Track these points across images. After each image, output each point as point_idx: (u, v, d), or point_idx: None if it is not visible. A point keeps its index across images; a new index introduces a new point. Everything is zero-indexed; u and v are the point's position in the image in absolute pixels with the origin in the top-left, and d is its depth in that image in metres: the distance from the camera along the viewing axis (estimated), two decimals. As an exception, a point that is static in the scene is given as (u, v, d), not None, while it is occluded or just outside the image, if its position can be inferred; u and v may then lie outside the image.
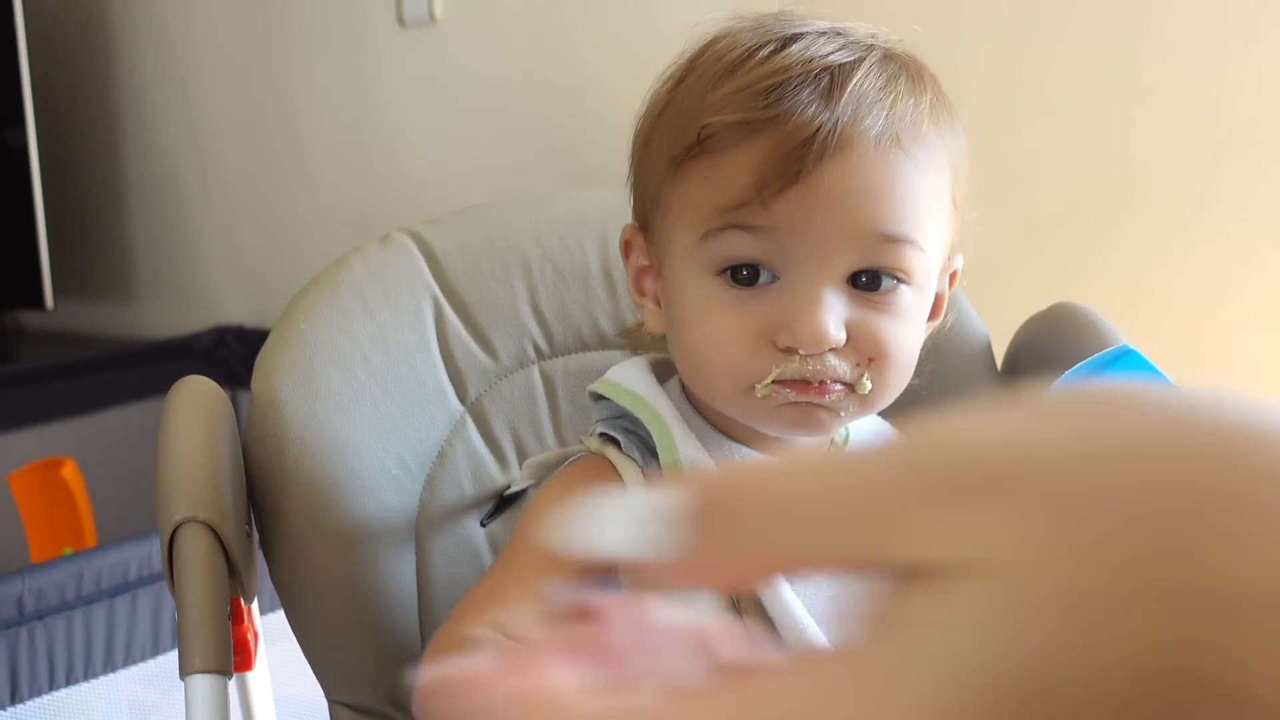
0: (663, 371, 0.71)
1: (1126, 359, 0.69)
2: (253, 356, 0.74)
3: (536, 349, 0.83)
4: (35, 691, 1.12)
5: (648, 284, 0.70)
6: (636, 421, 0.67)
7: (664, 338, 0.70)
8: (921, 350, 0.68)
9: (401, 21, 1.78)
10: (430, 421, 0.78)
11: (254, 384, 0.73)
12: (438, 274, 0.80)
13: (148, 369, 1.89)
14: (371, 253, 0.79)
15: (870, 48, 0.63)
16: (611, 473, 0.66)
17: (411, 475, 0.76)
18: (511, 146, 1.68)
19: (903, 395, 0.66)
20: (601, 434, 0.69)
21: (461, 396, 0.80)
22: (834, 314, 0.60)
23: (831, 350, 0.60)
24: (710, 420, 0.68)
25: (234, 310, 2.07)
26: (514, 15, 1.69)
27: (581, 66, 1.61)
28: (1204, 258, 1.19)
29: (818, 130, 0.58)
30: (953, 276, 0.70)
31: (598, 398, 0.70)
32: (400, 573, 0.75)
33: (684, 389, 0.70)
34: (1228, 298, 1.19)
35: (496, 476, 0.80)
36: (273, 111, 2.01)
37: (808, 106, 0.58)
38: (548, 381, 0.83)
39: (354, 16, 1.86)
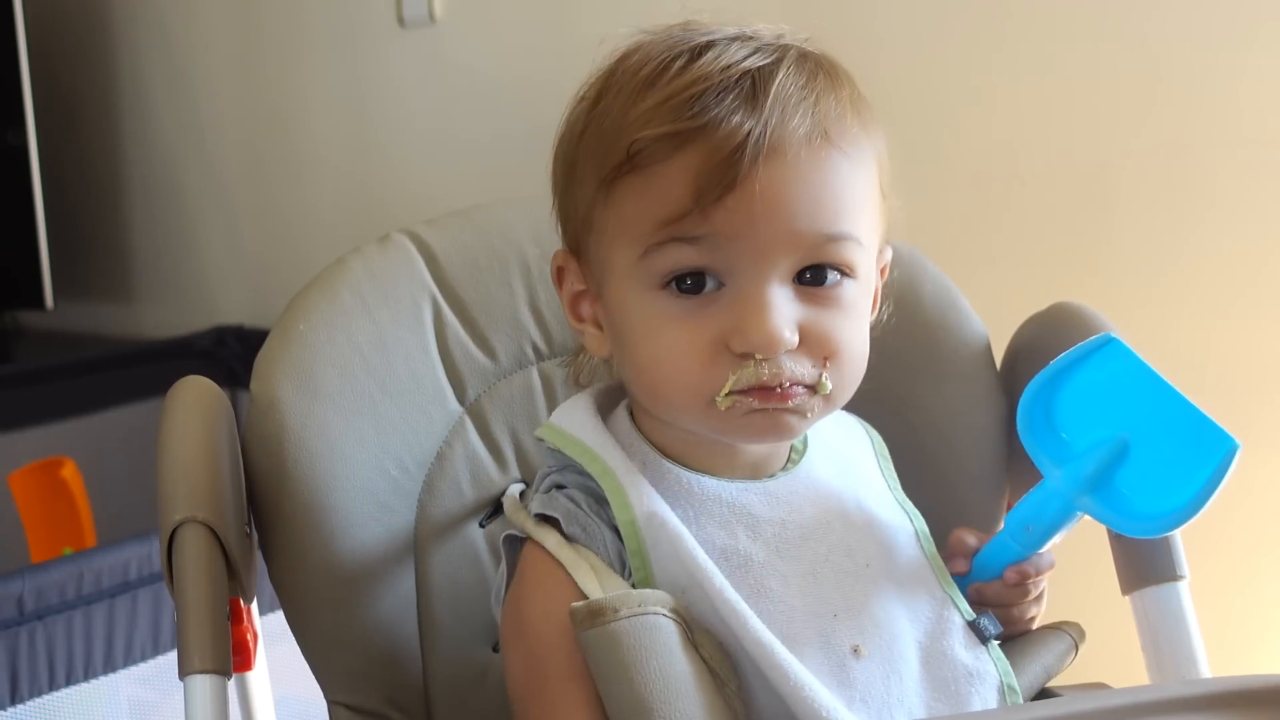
0: (606, 403, 0.70)
1: (1109, 348, 0.69)
2: (253, 356, 0.74)
3: (535, 349, 0.83)
4: (35, 691, 1.12)
5: (585, 309, 0.68)
6: (586, 473, 0.65)
7: (608, 361, 0.70)
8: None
9: (401, 21, 1.78)
10: (429, 422, 0.78)
11: (253, 384, 0.73)
12: (436, 274, 0.80)
13: (148, 369, 1.89)
14: (370, 253, 0.79)
15: (785, 48, 0.62)
16: (564, 579, 0.62)
17: (410, 476, 0.76)
18: (511, 146, 1.68)
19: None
20: (539, 516, 0.65)
21: (460, 397, 0.80)
22: (784, 316, 0.60)
23: (787, 352, 0.60)
24: (659, 446, 0.66)
25: (234, 310, 2.07)
26: (514, 15, 1.69)
27: (581, 66, 1.61)
28: (1203, 257, 1.19)
29: (747, 135, 0.58)
30: (883, 270, 0.69)
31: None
32: (399, 573, 0.75)
33: (631, 417, 0.68)
34: (1227, 297, 1.19)
35: (495, 477, 0.80)
36: (273, 111, 2.01)
37: (733, 113, 0.58)
38: (547, 382, 0.83)
39: (354, 16, 1.86)
